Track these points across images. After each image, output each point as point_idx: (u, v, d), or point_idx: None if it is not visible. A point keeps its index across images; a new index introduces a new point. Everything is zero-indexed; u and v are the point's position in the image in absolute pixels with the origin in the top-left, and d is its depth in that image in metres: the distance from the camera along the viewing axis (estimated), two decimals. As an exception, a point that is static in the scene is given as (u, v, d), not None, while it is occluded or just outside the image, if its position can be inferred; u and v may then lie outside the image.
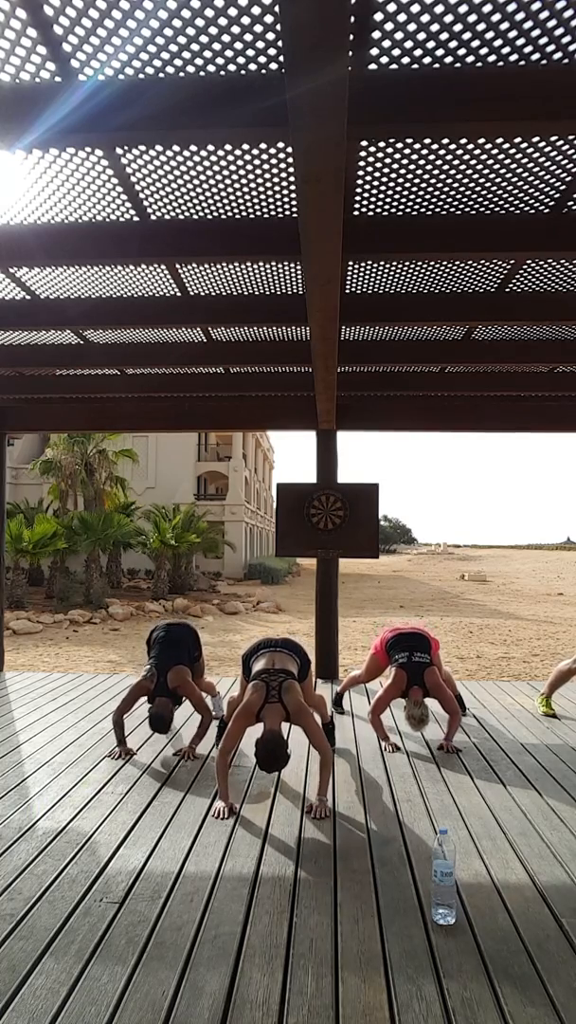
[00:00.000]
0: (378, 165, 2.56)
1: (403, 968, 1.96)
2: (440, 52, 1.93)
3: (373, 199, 2.83)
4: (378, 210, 2.93)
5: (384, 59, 1.95)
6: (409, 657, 4.10)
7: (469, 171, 2.60)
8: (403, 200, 2.84)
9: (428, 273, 3.61)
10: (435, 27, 1.83)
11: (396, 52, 1.93)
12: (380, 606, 22.26)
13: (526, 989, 1.88)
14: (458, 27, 1.83)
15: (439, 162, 2.54)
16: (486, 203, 2.85)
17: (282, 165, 2.53)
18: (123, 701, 3.94)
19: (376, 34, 1.86)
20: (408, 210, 2.92)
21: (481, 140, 2.38)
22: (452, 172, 2.61)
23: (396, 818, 3.05)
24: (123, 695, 4.00)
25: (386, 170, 2.60)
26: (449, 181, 2.68)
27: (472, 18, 1.81)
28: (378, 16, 1.80)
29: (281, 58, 1.91)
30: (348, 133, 1.83)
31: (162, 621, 4.46)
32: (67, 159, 2.49)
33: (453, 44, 1.89)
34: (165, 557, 22.12)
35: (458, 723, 4.11)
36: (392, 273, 3.62)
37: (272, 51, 1.90)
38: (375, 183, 2.70)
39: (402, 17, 1.80)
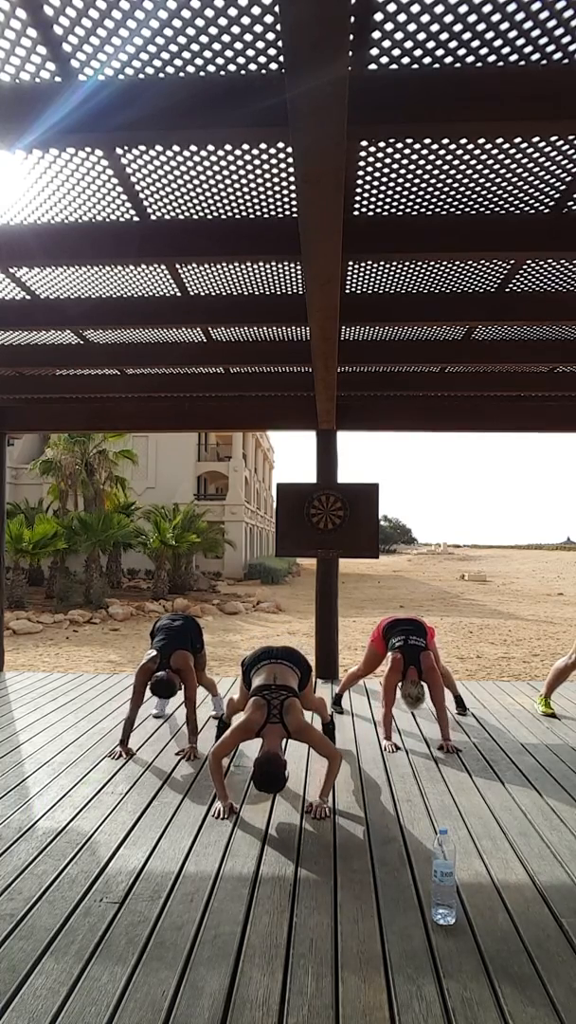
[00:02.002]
0: (378, 165, 2.56)
1: (403, 968, 1.96)
2: (440, 52, 1.93)
3: (373, 199, 2.83)
4: (378, 210, 2.93)
5: (384, 59, 1.95)
6: (405, 640, 4.16)
7: (469, 171, 2.60)
8: (403, 200, 2.84)
9: (428, 273, 3.61)
10: (435, 27, 1.83)
11: (396, 52, 1.92)
12: (380, 606, 22.25)
13: (526, 989, 1.88)
14: (458, 27, 1.83)
15: (439, 162, 2.54)
16: (486, 203, 2.85)
17: (282, 165, 2.53)
18: (133, 694, 3.92)
19: (376, 34, 1.86)
20: (408, 210, 2.92)
21: (481, 140, 2.38)
22: (452, 172, 2.61)
23: (396, 818, 3.05)
24: (124, 696, 3.98)
25: (386, 170, 2.60)
26: (449, 181, 2.68)
27: (472, 18, 1.81)
28: (378, 16, 1.80)
29: (281, 58, 1.91)
30: (348, 133, 1.83)
31: (166, 614, 4.47)
32: (67, 159, 2.49)
33: (453, 44, 1.89)
34: (165, 557, 22.12)
35: (446, 717, 4.10)
36: (392, 273, 3.62)
37: (272, 51, 1.90)
38: (375, 183, 2.70)
39: (402, 17, 1.80)
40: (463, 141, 2.39)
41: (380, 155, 2.49)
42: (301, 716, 3.21)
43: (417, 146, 2.43)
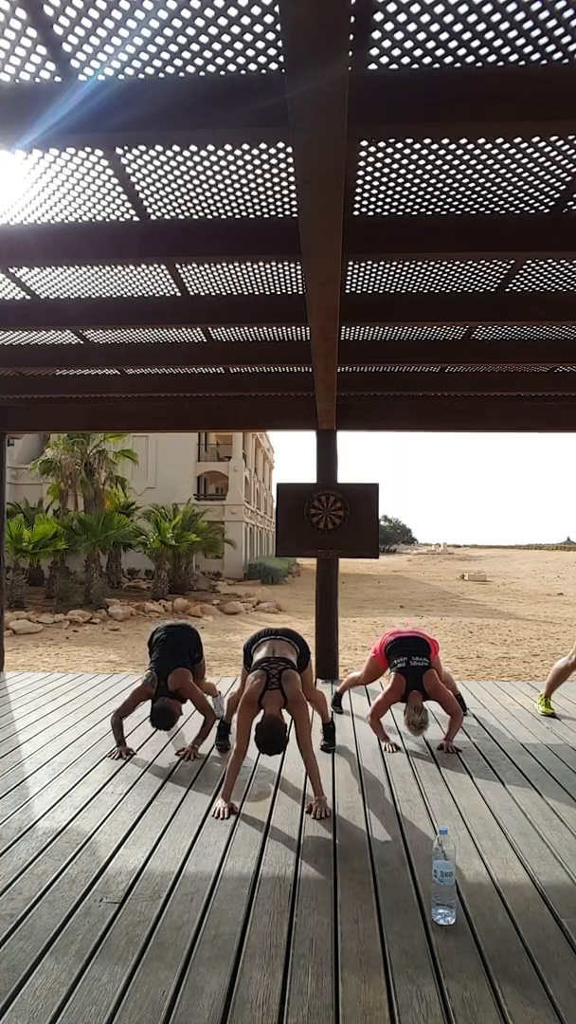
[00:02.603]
0: (378, 165, 2.56)
1: (403, 968, 1.96)
2: (440, 52, 1.93)
3: (373, 199, 2.83)
4: (378, 210, 2.93)
5: (384, 59, 1.95)
6: (407, 662, 4.11)
7: (469, 171, 2.60)
8: (403, 200, 2.84)
9: (428, 273, 3.61)
10: (435, 27, 1.83)
11: (396, 52, 1.93)
12: (380, 606, 22.26)
13: (526, 989, 1.88)
14: (458, 27, 1.83)
15: (439, 162, 2.54)
16: (486, 203, 2.85)
17: (282, 165, 2.53)
18: (123, 704, 3.94)
19: (376, 34, 1.86)
20: (408, 210, 2.92)
21: (481, 140, 2.38)
22: (452, 172, 2.61)
23: (396, 818, 3.05)
24: (123, 697, 3.99)
25: (386, 170, 2.60)
26: (449, 181, 2.68)
27: (472, 18, 1.81)
28: (378, 16, 1.80)
29: (281, 58, 1.91)
30: (348, 133, 1.83)
31: (163, 622, 4.46)
32: (67, 159, 2.49)
33: (453, 44, 1.89)
34: (165, 557, 22.11)
35: (459, 724, 4.11)
36: (392, 273, 3.62)
37: (272, 51, 1.90)
38: (375, 183, 2.70)
39: (402, 17, 1.80)
40: (463, 141, 2.39)
41: (380, 155, 2.49)
42: (299, 688, 3.25)
43: (417, 146, 2.43)
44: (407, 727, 3.90)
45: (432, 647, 4.27)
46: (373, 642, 4.65)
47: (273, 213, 2.94)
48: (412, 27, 1.83)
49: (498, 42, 1.88)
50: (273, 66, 1.95)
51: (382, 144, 2.42)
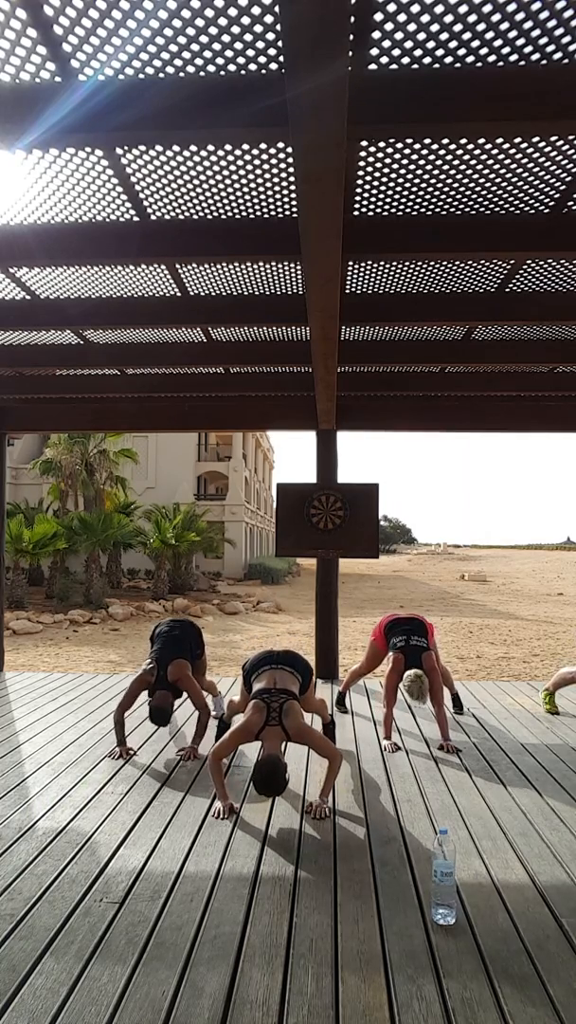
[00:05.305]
0: (378, 165, 2.56)
1: (403, 968, 1.96)
2: (440, 52, 1.93)
3: (373, 199, 2.83)
4: (378, 210, 2.93)
5: (384, 59, 1.95)
6: (407, 640, 4.19)
7: (469, 171, 2.60)
8: (403, 200, 2.84)
9: (428, 273, 3.61)
10: (435, 27, 1.84)
11: (396, 52, 1.93)
12: (380, 606, 22.25)
13: (526, 989, 1.87)
14: (458, 27, 1.84)
15: (439, 162, 2.54)
16: (486, 203, 2.85)
17: (282, 165, 2.53)
18: (124, 697, 3.93)
19: (376, 34, 1.86)
20: (408, 210, 2.92)
21: (481, 140, 2.38)
22: (452, 172, 2.61)
23: (396, 818, 3.05)
24: (123, 694, 3.99)
25: (386, 170, 2.60)
26: (449, 181, 2.68)
27: (472, 18, 1.81)
28: (378, 16, 1.80)
29: (281, 58, 1.91)
30: (348, 133, 1.83)
31: (166, 618, 4.47)
32: (67, 159, 2.50)
33: (453, 44, 1.90)
34: (165, 557, 22.11)
35: (445, 717, 4.12)
36: (392, 273, 3.62)
37: (272, 51, 1.90)
38: (375, 183, 2.70)
39: (402, 17, 1.80)
40: (463, 141, 2.40)
41: (380, 155, 2.50)
42: (301, 719, 3.19)
43: (417, 146, 2.43)
44: (406, 693, 3.91)
45: (429, 629, 4.33)
46: (373, 629, 4.69)
47: (273, 213, 2.94)
48: (412, 27, 1.84)
49: (498, 42, 1.88)
50: (273, 66, 1.95)
51: (382, 144, 2.42)
